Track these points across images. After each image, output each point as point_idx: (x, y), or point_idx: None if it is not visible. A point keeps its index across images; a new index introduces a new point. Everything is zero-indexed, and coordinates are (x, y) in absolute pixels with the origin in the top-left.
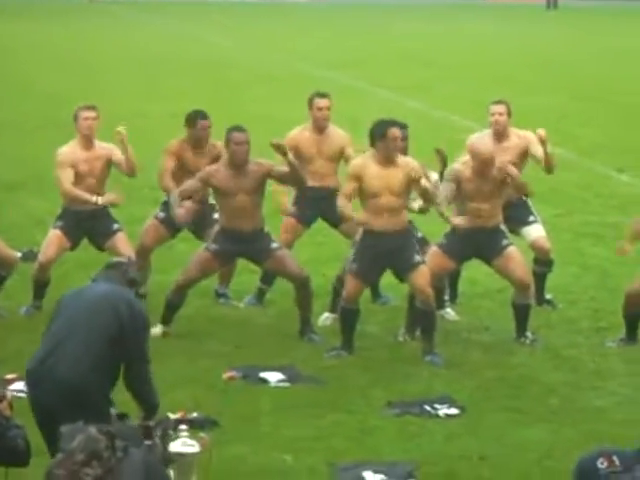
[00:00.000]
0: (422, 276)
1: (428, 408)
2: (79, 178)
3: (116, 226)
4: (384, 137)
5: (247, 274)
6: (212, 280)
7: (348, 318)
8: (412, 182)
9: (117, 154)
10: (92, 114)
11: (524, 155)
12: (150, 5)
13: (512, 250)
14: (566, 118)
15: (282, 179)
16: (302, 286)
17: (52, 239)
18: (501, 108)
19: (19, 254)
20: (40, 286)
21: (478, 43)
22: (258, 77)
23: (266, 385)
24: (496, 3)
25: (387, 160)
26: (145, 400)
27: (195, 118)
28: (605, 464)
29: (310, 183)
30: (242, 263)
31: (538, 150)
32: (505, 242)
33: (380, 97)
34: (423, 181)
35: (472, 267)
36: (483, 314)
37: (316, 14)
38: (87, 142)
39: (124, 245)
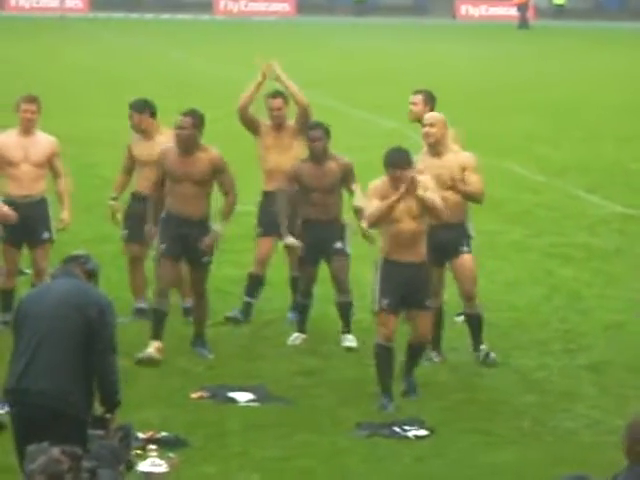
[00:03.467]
0: (428, 321)
1: (397, 429)
2: (13, 164)
3: (46, 235)
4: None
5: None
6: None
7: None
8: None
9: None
10: (32, 107)
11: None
12: (120, 23)
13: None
14: (536, 139)
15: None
16: (199, 297)
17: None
18: (417, 98)
19: None
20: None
21: (448, 63)
22: (228, 95)
23: (235, 405)
24: (467, 23)
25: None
26: (108, 392)
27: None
28: None
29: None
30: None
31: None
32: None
33: (355, 117)
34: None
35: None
36: (452, 335)
37: (285, 33)
38: (26, 132)
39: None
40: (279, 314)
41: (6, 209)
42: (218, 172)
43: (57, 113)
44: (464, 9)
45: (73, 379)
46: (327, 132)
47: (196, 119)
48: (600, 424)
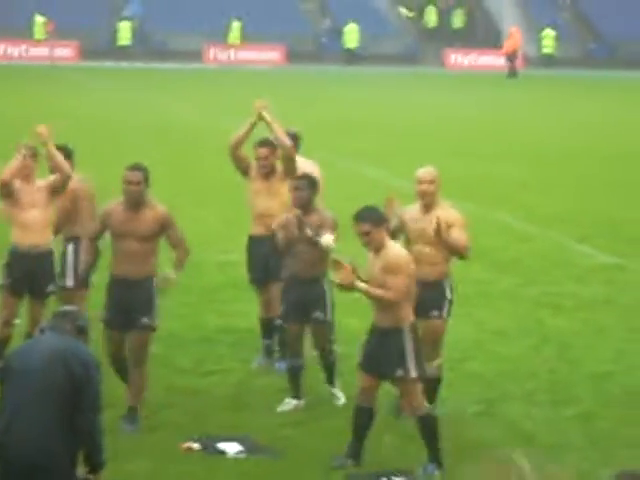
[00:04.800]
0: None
1: None
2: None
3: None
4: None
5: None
6: (170, 349)
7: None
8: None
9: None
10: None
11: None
12: (110, 72)
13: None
14: (526, 187)
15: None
16: (138, 365)
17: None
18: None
19: None
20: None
21: (437, 111)
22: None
23: (224, 457)
24: (456, 72)
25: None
26: (92, 452)
27: None
28: None
29: None
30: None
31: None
32: None
33: (340, 166)
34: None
35: None
36: (442, 384)
37: (275, 82)
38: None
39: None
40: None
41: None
42: (165, 228)
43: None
44: (453, 58)
45: (57, 435)
46: (312, 184)
47: (145, 173)
48: (589, 475)
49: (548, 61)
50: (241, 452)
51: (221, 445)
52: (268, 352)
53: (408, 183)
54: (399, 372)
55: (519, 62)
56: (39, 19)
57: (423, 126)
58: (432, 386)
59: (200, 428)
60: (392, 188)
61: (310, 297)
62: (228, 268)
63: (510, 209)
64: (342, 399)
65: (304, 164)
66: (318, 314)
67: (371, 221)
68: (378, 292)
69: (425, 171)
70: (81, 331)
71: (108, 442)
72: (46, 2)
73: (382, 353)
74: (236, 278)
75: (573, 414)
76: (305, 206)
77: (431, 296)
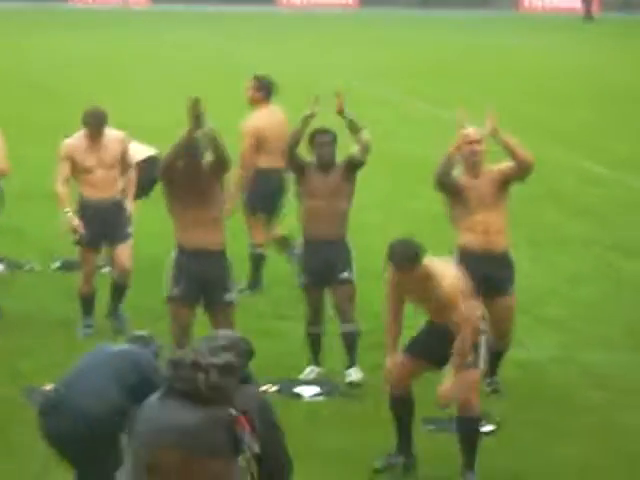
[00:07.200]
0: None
1: None
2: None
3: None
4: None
5: None
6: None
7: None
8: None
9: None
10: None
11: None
12: (180, 15)
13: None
14: (600, 131)
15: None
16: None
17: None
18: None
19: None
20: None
21: (511, 54)
22: (294, 87)
23: (299, 399)
24: (529, 14)
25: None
26: None
27: None
28: None
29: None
30: None
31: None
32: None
33: (410, 108)
34: None
35: None
36: (519, 331)
37: (344, 26)
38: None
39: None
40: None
41: (76, 223)
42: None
43: (122, 105)
44: (527, 1)
45: (115, 403)
46: (335, 137)
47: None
48: None
49: (625, 4)
50: (317, 395)
51: (298, 389)
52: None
53: (477, 125)
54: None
55: (595, 5)
56: None
57: (493, 69)
58: (497, 358)
59: (277, 372)
60: (464, 131)
61: (335, 258)
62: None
63: (584, 153)
64: (358, 377)
65: (276, 112)
66: (345, 274)
67: (410, 261)
68: (464, 352)
69: (474, 131)
70: (155, 355)
71: None
72: None
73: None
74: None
75: None
76: (332, 162)
77: (502, 270)
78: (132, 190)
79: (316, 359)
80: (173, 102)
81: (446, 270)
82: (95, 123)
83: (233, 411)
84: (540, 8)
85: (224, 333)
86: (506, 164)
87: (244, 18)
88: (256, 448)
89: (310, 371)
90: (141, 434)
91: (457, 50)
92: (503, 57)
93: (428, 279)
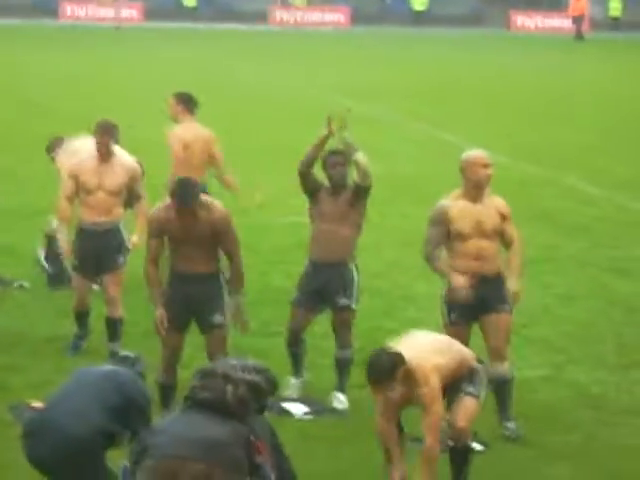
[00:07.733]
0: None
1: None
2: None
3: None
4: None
5: None
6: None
7: None
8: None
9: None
10: (104, 139)
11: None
12: (172, 33)
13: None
14: (592, 151)
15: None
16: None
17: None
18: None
19: None
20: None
21: (502, 74)
22: (283, 106)
23: (289, 417)
24: (521, 34)
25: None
26: None
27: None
28: None
29: None
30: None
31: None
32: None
33: (403, 128)
34: None
35: None
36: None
37: (336, 44)
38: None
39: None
40: None
41: (65, 249)
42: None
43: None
44: (519, 20)
45: (98, 424)
46: (346, 157)
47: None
48: None
49: (615, 24)
50: (307, 413)
51: (286, 405)
52: None
53: (475, 146)
54: (469, 388)
55: (585, 25)
56: None
57: (488, 89)
58: (509, 390)
59: None
60: (460, 150)
61: (335, 282)
62: (295, 229)
63: (577, 173)
64: (343, 405)
65: (200, 129)
66: (344, 300)
67: (385, 377)
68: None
69: (482, 154)
70: (141, 376)
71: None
72: None
73: None
74: (304, 240)
75: None
76: (344, 183)
77: (496, 292)
78: (142, 222)
79: (297, 372)
80: (164, 117)
81: (427, 372)
82: (101, 132)
83: (252, 437)
84: (532, 28)
85: (254, 360)
86: (508, 213)
87: (237, 36)
88: (273, 478)
89: (292, 384)
90: (162, 446)
91: (451, 69)
92: (496, 76)
93: (410, 383)
